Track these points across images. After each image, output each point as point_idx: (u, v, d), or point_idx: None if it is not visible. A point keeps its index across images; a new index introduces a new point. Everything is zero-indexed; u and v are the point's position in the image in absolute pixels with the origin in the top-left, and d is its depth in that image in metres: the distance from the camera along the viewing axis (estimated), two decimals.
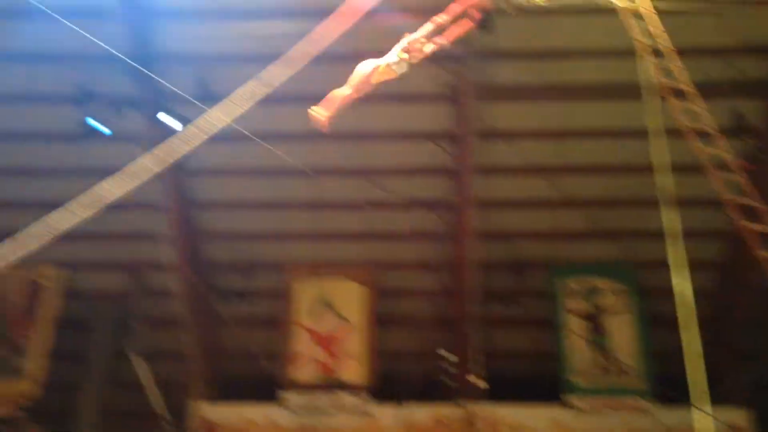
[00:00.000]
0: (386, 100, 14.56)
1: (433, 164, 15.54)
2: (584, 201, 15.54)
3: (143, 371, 16.50)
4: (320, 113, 7.71)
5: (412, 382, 15.81)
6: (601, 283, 16.47)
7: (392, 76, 8.02)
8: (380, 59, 7.79)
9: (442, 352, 16.02)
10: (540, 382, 16.33)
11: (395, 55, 7.78)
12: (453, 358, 15.95)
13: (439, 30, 7.64)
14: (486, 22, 7.69)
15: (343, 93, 7.90)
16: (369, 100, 14.39)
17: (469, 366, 15.75)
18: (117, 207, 14.63)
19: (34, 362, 16.18)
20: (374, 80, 8.01)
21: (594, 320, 16.33)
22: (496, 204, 15.76)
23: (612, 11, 9.12)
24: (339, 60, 13.45)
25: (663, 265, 15.15)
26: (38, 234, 4.22)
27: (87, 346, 17.17)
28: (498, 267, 16.45)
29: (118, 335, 17.20)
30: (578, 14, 12.80)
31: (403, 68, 7.93)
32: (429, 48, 7.65)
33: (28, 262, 15.67)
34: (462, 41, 13.48)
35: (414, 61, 7.73)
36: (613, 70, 13.86)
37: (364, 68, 7.87)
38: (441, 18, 7.64)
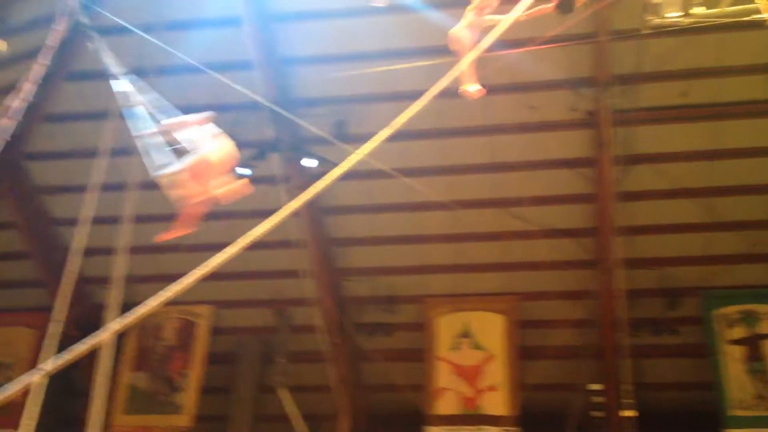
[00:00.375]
0: (523, 129, 14.47)
1: (574, 191, 15.20)
2: (738, 223, 14.75)
3: (289, 404, 16.82)
4: (470, 89, 7.71)
5: (558, 415, 15.39)
6: (759, 308, 15.46)
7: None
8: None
9: (589, 384, 15.46)
10: (695, 414, 15.52)
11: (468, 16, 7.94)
12: (600, 390, 15.35)
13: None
14: (565, 6, 7.47)
15: (465, 60, 7.77)
16: (505, 130, 14.55)
17: (618, 398, 15.10)
18: (260, 246, 15.45)
19: (189, 397, 16.86)
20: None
21: (753, 347, 15.34)
22: (642, 229, 15.15)
23: (758, 25, 8.62)
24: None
25: None
26: (190, 274, 4.41)
27: (234, 380, 17.70)
28: (647, 294, 15.75)
29: (263, 369, 17.65)
30: (722, 31, 12.19)
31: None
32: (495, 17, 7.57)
33: (181, 302, 16.83)
34: (599, 65, 13.37)
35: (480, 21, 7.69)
36: (764, 85, 13.15)
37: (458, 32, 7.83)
38: None
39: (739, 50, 12.71)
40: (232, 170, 7.83)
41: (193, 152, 7.71)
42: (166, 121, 8.09)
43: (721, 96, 13.60)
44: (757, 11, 8.09)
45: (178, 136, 8.07)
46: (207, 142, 7.66)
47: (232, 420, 17.33)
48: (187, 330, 17.48)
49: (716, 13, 8.78)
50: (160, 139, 8.04)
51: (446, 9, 13.23)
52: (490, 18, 7.78)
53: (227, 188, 7.82)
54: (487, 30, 7.69)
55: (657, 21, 9.16)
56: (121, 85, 9.21)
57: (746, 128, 13.91)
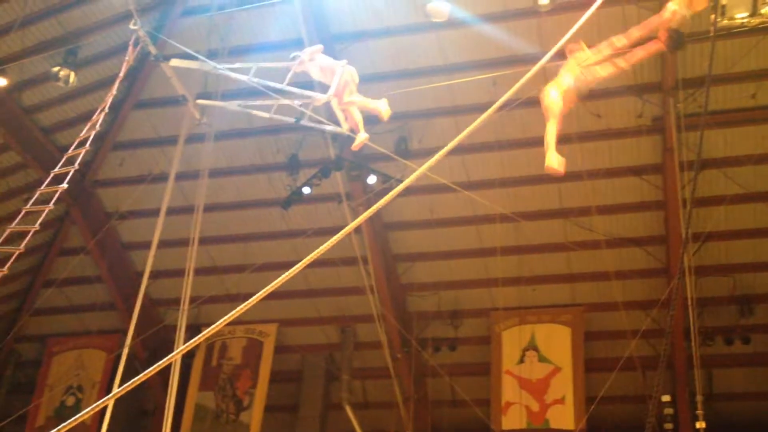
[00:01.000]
0: (588, 138, 14.29)
1: (639, 199, 14.97)
2: None
3: (354, 421, 16.82)
4: (554, 164, 7.11)
5: (627, 428, 15.17)
6: None
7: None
8: (556, 83, 7.22)
9: (660, 395, 15.10)
10: None
11: (566, 76, 7.16)
12: (671, 401, 15.05)
13: (618, 53, 7.02)
14: (676, 42, 6.99)
15: (551, 131, 7.32)
16: (569, 139, 14.39)
17: (689, 410, 14.75)
18: (325, 264, 15.60)
19: (255, 415, 16.95)
20: (564, 101, 7.28)
21: None
22: (714, 236, 14.81)
23: None
24: (530, 105, 13.57)
25: None
26: (257, 294, 4.43)
27: (300, 398, 17.78)
28: (719, 302, 15.42)
29: (328, 386, 17.72)
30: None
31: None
32: (604, 70, 7.00)
33: (246, 321, 17.00)
34: (665, 70, 13.14)
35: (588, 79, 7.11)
36: None
37: (550, 98, 7.25)
38: (619, 41, 7.01)
39: None
40: None
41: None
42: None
43: None
44: None
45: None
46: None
47: None
48: (252, 349, 17.62)
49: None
50: None
51: (502, 22, 13.28)
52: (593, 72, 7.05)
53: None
54: (586, 85, 7.15)
55: (725, 22, 8.94)
56: None
57: None
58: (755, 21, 8.68)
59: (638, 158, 14.57)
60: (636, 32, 6.85)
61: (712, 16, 9.13)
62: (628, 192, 14.92)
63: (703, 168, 14.04)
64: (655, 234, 15.27)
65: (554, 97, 7.20)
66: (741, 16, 8.75)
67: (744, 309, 15.40)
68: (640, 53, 6.99)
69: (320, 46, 9.18)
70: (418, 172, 5.25)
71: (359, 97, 9.11)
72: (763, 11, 8.61)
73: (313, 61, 9.07)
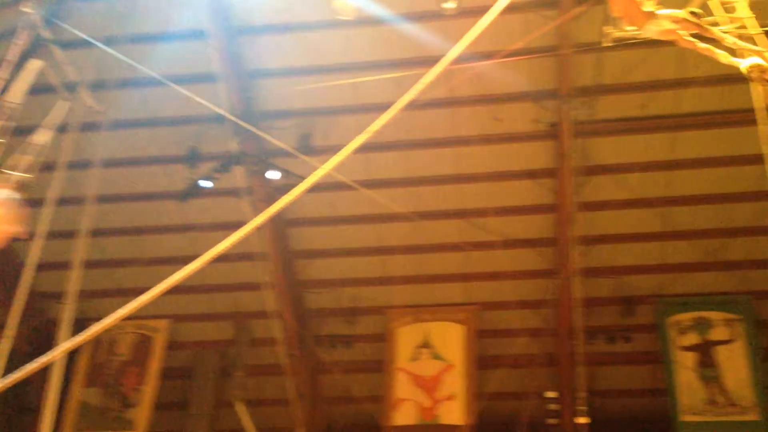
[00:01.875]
0: (488, 141, 14.63)
1: (535, 202, 15.42)
2: (693, 232, 15.16)
3: (246, 418, 16.61)
4: None
5: (515, 423, 15.43)
6: (712, 315, 15.83)
7: None
8: None
9: (546, 392, 15.64)
10: (647, 420, 15.91)
11: None
12: (555, 397, 15.63)
13: None
14: None
15: None
16: (468, 142, 14.70)
17: (574, 406, 15.32)
18: (221, 259, 15.28)
19: (142, 413, 16.49)
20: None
21: (705, 354, 15.71)
22: (601, 239, 15.45)
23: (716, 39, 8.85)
24: (434, 106, 13.80)
25: None
26: (149, 289, 4.31)
27: (190, 395, 17.42)
28: (603, 303, 16.08)
29: (221, 383, 17.42)
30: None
31: None
32: None
33: (136, 317, 16.49)
34: (562, 78, 13.61)
35: None
36: (720, 96, 13.55)
37: None
38: None
39: (696, 62, 13.03)
40: None
41: None
42: None
43: (679, 107, 13.94)
44: (716, 24, 8.29)
45: None
46: None
47: None
48: (142, 345, 17.13)
49: None
50: None
51: (412, 22, 13.41)
52: None
53: None
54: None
55: (617, 34, 9.31)
56: None
57: (703, 139, 14.30)
58: (646, 34, 9.05)
59: (534, 162, 15.00)
60: None
61: (605, 28, 9.52)
62: (524, 195, 15.33)
63: (594, 174, 14.66)
64: (546, 236, 15.76)
65: None
66: (632, 28, 9.10)
67: (626, 310, 16.12)
68: None
69: None
70: (322, 170, 5.24)
71: None
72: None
73: None
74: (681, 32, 7.36)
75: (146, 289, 4.39)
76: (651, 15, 7.56)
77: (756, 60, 6.88)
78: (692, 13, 7.51)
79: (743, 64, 6.90)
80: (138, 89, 13.99)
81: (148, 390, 16.71)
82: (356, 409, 16.64)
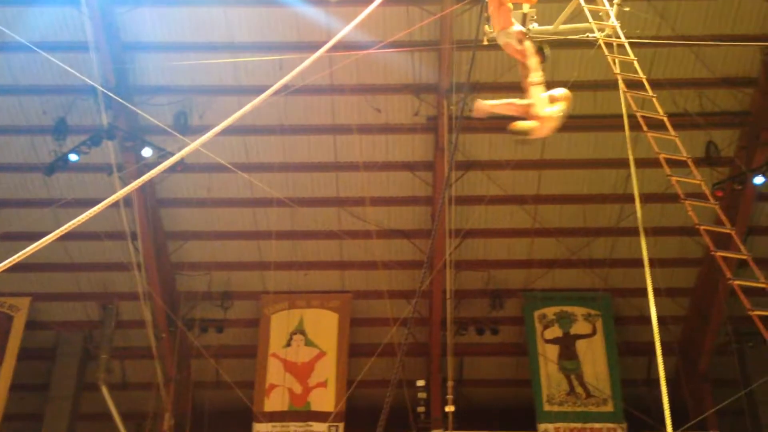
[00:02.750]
0: (368, 130, 14.71)
1: (410, 194, 15.64)
2: (559, 230, 15.76)
3: (110, 402, 16.11)
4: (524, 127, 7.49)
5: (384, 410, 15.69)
6: (574, 309, 16.55)
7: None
8: None
9: (416, 381, 15.94)
10: (512, 409, 16.49)
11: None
12: (425, 386, 15.90)
13: None
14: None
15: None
16: (347, 130, 14.73)
17: (441, 394, 15.69)
18: (89, 237, 14.75)
19: None
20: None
21: (567, 346, 16.39)
22: (473, 233, 15.82)
23: (588, 44, 9.25)
24: (315, 92, 13.76)
25: (636, 292, 15.58)
26: (6, 264, 4.07)
27: (51, 377, 16.78)
28: (473, 295, 16.53)
29: (85, 366, 16.86)
30: (554, 47, 12.96)
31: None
32: None
33: None
34: (441, 73, 13.83)
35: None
36: (590, 101, 14.14)
37: None
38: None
39: (569, 66, 13.53)
40: None
41: None
42: None
43: None
44: (590, 30, 8.66)
45: None
46: None
47: (47, 418, 16.40)
48: (0, 323, 16.31)
49: (550, 30, 9.24)
50: None
51: (295, 6, 13.28)
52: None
53: None
54: None
55: (494, 34, 9.54)
56: None
57: (572, 141, 14.87)
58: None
59: (412, 154, 15.24)
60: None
61: (486, 27, 9.73)
62: (401, 186, 15.56)
63: (469, 169, 15.01)
64: (422, 228, 16.03)
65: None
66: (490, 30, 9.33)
67: (495, 302, 16.65)
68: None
69: None
70: (193, 145, 5.15)
71: None
72: (530, 27, 9.23)
73: None
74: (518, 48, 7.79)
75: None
76: (509, 25, 7.90)
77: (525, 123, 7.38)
78: (539, 49, 7.89)
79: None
80: (4, 54, 13.28)
81: (5, 371, 15.89)
82: (227, 395, 16.40)
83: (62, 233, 4.41)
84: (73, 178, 14.82)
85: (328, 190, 15.56)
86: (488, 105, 7.99)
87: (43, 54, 10.71)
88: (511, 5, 8.07)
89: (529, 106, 7.55)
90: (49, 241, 4.30)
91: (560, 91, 7.63)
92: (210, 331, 16.67)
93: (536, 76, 7.60)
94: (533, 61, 7.67)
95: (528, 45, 7.71)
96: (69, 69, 10.36)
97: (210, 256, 16.39)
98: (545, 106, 7.48)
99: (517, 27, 7.92)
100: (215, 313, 16.72)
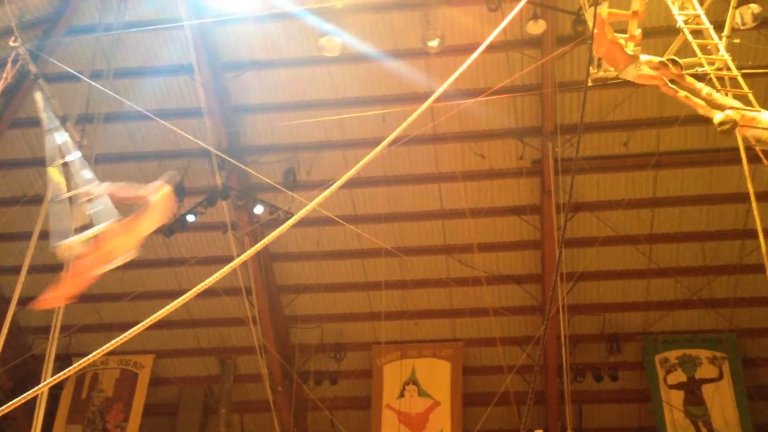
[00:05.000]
0: (472, 177, 14.74)
1: (518, 238, 15.50)
2: (676, 269, 15.20)
3: None
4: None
5: None
6: (698, 352, 15.83)
7: None
8: None
9: (534, 430, 15.53)
10: None
11: None
12: None
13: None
14: None
15: None
16: (454, 178, 14.78)
17: None
18: (207, 294, 15.22)
19: None
20: None
21: (692, 392, 15.66)
22: (585, 276, 15.45)
23: (697, 77, 9.02)
24: (418, 142, 13.91)
25: (765, 332, 14.79)
26: (134, 324, 4.25)
27: (175, 431, 17.23)
28: (589, 340, 16.10)
29: (205, 420, 17.26)
30: None
31: None
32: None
33: (120, 352, 16.36)
34: (545, 116, 13.76)
35: None
36: (702, 135, 13.70)
37: None
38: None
39: (677, 102, 13.18)
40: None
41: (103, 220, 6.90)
42: (112, 186, 7.23)
43: (660, 146, 14.11)
44: (698, 64, 8.44)
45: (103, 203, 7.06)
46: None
47: None
48: (126, 380, 16.96)
49: None
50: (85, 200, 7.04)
51: (397, 59, 13.58)
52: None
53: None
54: None
55: (600, 74, 9.43)
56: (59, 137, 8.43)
57: (683, 177, 14.45)
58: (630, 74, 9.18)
59: (518, 199, 15.11)
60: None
61: (590, 68, 9.65)
62: (508, 231, 15.43)
63: (578, 210, 14.75)
64: (532, 272, 15.81)
65: None
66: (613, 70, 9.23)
67: (612, 347, 16.13)
68: None
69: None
70: (310, 206, 5.26)
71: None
72: None
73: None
74: (662, 78, 7.58)
75: (131, 325, 4.37)
76: (633, 58, 7.75)
77: (728, 113, 7.04)
78: (671, 60, 7.70)
79: (716, 117, 7.06)
80: (124, 123, 14.09)
81: (132, 427, 16.49)
82: None
83: (192, 296, 4.57)
84: (190, 237, 15.45)
85: (436, 238, 15.59)
86: None
87: (159, 121, 11.30)
88: (621, 40, 7.94)
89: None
90: (180, 304, 4.47)
91: None
92: (324, 383, 16.83)
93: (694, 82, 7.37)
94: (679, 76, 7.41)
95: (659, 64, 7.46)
96: (184, 134, 10.89)
97: (322, 309, 16.63)
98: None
99: (644, 57, 7.71)
100: (329, 364, 16.89)
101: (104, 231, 6.82)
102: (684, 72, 7.65)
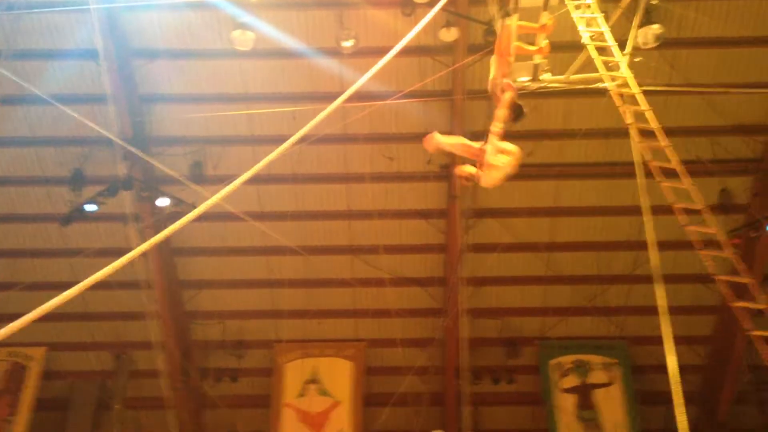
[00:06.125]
0: (380, 179, 14.82)
1: (424, 242, 15.65)
2: (574, 277, 15.69)
3: None
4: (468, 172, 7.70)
5: None
6: (591, 358, 16.37)
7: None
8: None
9: (432, 430, 15.77)
10: None
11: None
12: None
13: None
14: (517, 114, 7.90)
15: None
16: (360, 179, 14.83)
17: None
18: (103, 286, 14.76)
19: None
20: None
21: (584, 396, 16.18)
22: (487, 281, 15.78)
23: (601, 93, 9.33)
24: (328, 141, 13.90)
25: (653, 340, 15.38)
26: (24, 314, 4.08)
27: (66, 427, 16.67)
28: (488, 343, 16.40)
29: (98, 416, 16.77)
30: (567, 96, 13.11)
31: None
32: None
33: (9, 344, 15.71)
34: (454, 122, 13.94)
35: None
36: (602, 149, 14.19)
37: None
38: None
39: (580, 115, 13.66)
40: None
41: None
42: None
43: (563, 157, 14.52)
44: (600, 80, 8.74)
45: None
46: None
47: None
48: (15, 373, 16.33)
49: (562, 80, 9.35)
50: None
51: (310, 57, 13.51)
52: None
53: None
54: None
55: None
56: None
57: (582, 188, 14.92)
58: (534, 86, 9.40)
59: (425, 202, 15.28)
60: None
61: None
62: (414, 234, 15.58)
63: (482, 216, 15.03)
64: (435, 275, 16.03)
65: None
66: (523, 79, 9.44)
67: (510, 351, 16.51)
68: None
69: None
70: (213, 199, 5.16)
71: None
72: (542, 77, 9.34)
73: None
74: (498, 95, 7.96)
75: (21, 315, 4.17)
76: (503, 75, 8.08)
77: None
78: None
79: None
80: (22, 107, 13.54)
81: (20, 420, 15.91)
82: None
83: (86, 287, 4.43)
84: (89, 228, 14.95)
85: (341, 239, 15.61)
86: (443, 140, 8.05)
87: (59, 106, 10.91)
88: (511, 59, 8.20)
89: (481, 151, 7.55)
90: (73, 294, 4.31)
91: (511, 146, 7.68)
92: (224, 380, 16.61)
93: (498, 126, 7.64)
94: (502, 112, 7.73)
95: (508, 97, 7.78)
96: (86, 121, 10.54)
97: (224, 305, 16.41)
98: (496, 155, 7.49)
99: (508, 80, 8.05)
100: (229, 362, 16.67)
101: None
102: (515, 118, 8.06)
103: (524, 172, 14.62)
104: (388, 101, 11.55)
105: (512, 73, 8.89)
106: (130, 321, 16.04)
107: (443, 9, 8.06)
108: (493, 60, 8.17)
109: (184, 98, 13.94)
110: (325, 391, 16.32)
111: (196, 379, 16.29)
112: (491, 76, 8.21)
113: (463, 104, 13.53)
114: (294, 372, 16.45)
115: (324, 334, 16.65)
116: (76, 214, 13.86)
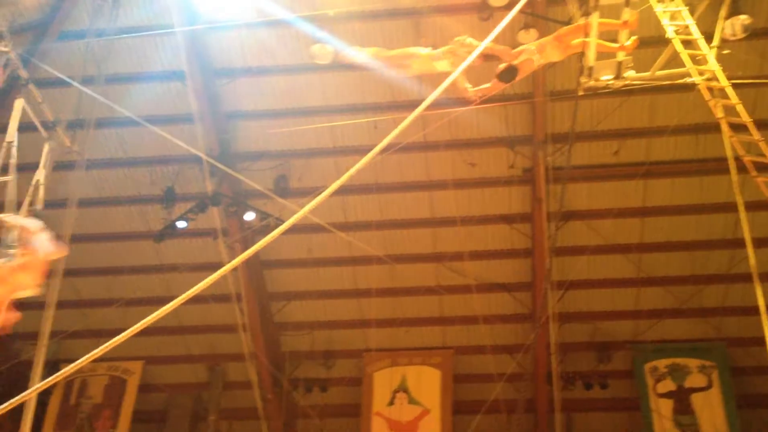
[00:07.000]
0: (463, 185, 14.77)
1: (509, 247, 15.54)
2: (666, 278, 15.26)
3: None
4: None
5: None
6: (688, 361, 15.86)
7: (429, 70, 8.11)
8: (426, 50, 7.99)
9: None
10: None
11: (441, 51, 8.22)
12: None
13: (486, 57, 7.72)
14: (508, 76, 7.98)
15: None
16: (444, 186, 14.81)
17: None
18: (197, 300, 15.17)
19: None
20: (411, 67, 8.08)
21: (681, 401, 15.68)
22: (576, 284, 15.48)
23: (687, 88, 9.07)
24: (409, 150, 13.94)
25: (754, 341, 14.80)
26: (122, 330, 4.20)
27: None
28: (579, 348, 16.13)
29: (194, 427, 17.20)
30: (653, 93, 12.80)
31: (443, 67, 7.99)
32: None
33: (109, 358, 16.29)
34: (536, 124, 13.80)
35: (454, 66, 7.88)
36: (692, 145, 13.77)
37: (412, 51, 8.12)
38: (495, 48, 8.05)
39: (667, 111, 13.28)
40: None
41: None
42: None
43: (650, 155, 14.15)
44: (687, 75, 8.50)
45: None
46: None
47: None
48: (115, 387, 16.91)
49: (647, 76, 9.14)
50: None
51: (384, 69, 13.57)
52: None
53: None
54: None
55: (591, 83, 9.48)
56: None
57: (673, 187, 14.51)
58: (619, 83, 9.23)
59: (509, 207, 15.16)
60: (487, 49, 7.29)
61: (581, 78, 9.69)
62: (499, 239, 15.48)
63: (568, 219, 14.78)
64: (522, 281, 15.86)
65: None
66: (606, 78, 9.28)
67: (602, 355, 16.17)
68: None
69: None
70: (302, 212, 5.24)
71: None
72: (626, 75, 9.17)
73: None
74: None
75: (120, 331, 4.31)
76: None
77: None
78: None
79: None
80: (115, 129, 14.08)
81: None
82: None
83: (182, 302, 4.55)
84: (181, 244, 15.44)
85: (426, 246, 15.62)
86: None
87: (150, 127, 11.29)
88: (563, 56, 8.30)
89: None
90: (169, 310, 4.44)
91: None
92: (314, 390, 16.81)
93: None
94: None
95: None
96: (175, 140, 10.89)
97: (312, 316, 16.64)
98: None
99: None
100: (319, 372, 16.89)
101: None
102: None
103: (611, 172, 14.59)
104: (468, 107, 11.52)
105: (594, 69, 8.79)
106: (222, 333, 16.46)
107: (521, 11, 7.99)
108: (546, 41, 8.19)
109: (266, 114, 14.25)
110: (414, 400, 16.29)
111: (287, 389, 16.52)
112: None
113: (545, 106, 13.37)
114: (383, 381, 16.49)
115: (411, 342, 16.67)
116: (169, 231, 14.32)
